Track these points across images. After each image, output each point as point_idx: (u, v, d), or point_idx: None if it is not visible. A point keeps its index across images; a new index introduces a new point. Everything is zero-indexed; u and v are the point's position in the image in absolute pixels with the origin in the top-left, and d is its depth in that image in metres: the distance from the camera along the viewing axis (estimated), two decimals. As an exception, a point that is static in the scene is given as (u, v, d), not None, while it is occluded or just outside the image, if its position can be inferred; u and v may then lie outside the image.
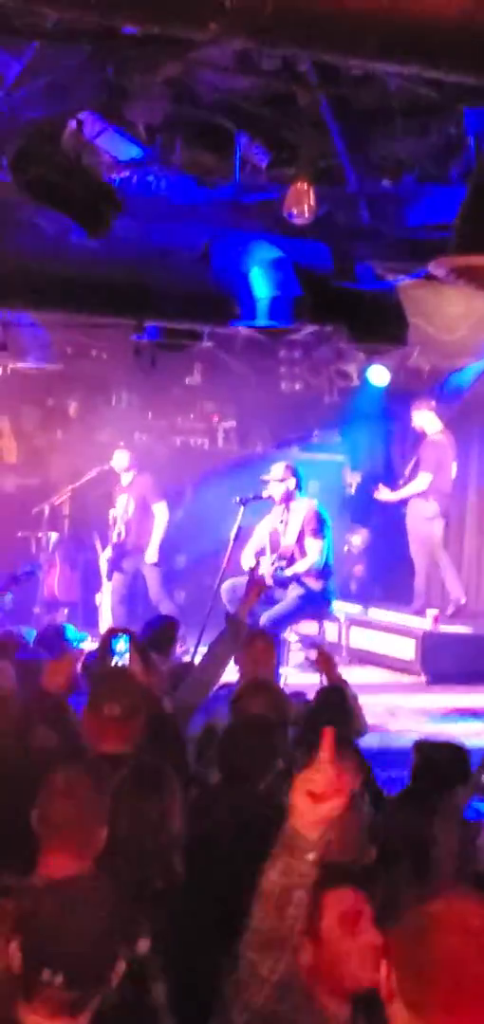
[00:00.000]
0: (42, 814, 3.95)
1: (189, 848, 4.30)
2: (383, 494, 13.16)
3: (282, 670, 10.44)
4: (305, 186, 7.19)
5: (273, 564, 11.05)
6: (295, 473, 11.37)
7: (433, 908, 2.43)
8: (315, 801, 3.11)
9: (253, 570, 9.57)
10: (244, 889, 3.38)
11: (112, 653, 6.22)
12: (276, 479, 11.26)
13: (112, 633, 6.62)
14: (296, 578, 11.01)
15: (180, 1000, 3.58)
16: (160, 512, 12.94)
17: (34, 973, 2.87)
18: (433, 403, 12.95)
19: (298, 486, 11.30)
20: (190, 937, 3.85)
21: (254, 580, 7.77)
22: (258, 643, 7.15)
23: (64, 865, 3.77)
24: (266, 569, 10.87)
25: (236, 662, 6.95)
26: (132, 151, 8.01)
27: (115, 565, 12.89)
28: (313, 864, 3.09)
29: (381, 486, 13.20)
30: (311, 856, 3.08)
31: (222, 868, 4.22)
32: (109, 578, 12.91)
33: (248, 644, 6.98)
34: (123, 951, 3.12)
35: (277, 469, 11.40)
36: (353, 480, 14.36)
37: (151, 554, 12.89)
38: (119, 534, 12.92)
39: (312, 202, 7.20)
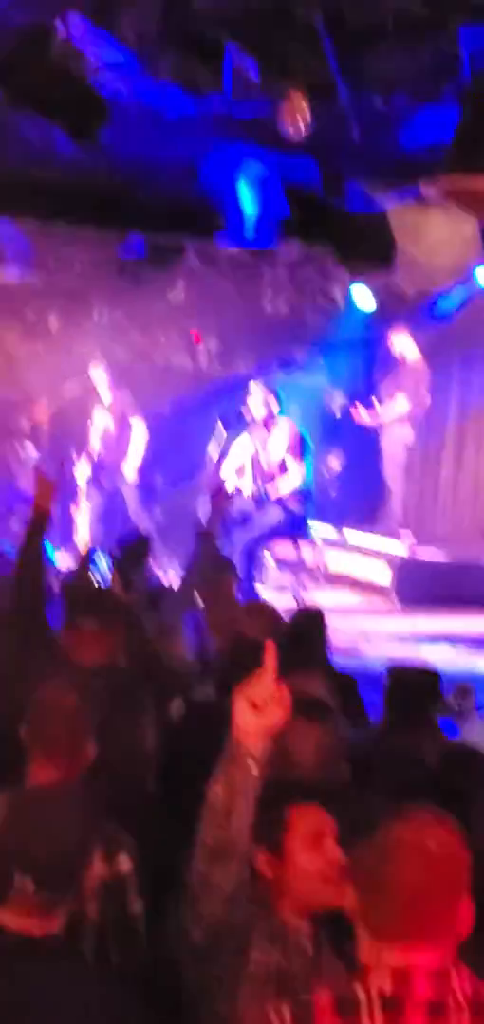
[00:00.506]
0: (30, 727, 3.95)
1: (172, 766, 4.32)
2: (362, 416, 13.16)
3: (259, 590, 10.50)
4: (301, 99, 7.10)
5: (255, 485, 11.06)
6: (276, 393, 11.35)
7: (394, 831, 2.45)
8: (256, 712, 3.15)
9: (217, 486, 9.55)
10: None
11: (92, 571, 6.22)
12: (257, 400, 11.24)
13: (92, 549, 6.63)
14: (276, 499, 11.02)
15: (156, 915, 3.61)
16: (138, 429, 12.91)
17: (6, 876, 2.94)
18: (412, 329, 12.94)
19: (279, 408, 11.28)
20: (167, 855, 3.86)
21: (217, 490, 7.73)
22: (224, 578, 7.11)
23: (51, 778, 3.79)
24: (247, 489, 10.89)
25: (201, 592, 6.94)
26: (121, 59, 7.89)
27: (93, 482, 12.87)
28: (255, 774, 3.13)
29: (359, 406, 13.18)
30: (252, 765, 3.12)
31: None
32: (87, 494, 12.89)
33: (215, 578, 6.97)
34: (103, 866, 3.21)
35: (258, 390, 11.38)
36: (338, 401, 14.33)
37: (129, 471, 12.87)
38: (97, 450, 12.89)
39: (308, 116, 7.11)
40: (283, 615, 7.44)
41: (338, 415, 14.42)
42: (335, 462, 14.36)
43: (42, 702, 3.99)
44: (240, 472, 11.25)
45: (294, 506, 11.05)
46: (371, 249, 9.66)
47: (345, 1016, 2.34)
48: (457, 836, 2.47)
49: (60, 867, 2.98)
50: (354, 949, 2.49)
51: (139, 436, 12.91)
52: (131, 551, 8.09)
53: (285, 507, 11.04)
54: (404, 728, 5.27)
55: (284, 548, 11.96)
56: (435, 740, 5.30)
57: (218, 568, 7.18)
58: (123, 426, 12.93)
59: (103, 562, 6.22)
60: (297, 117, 7.12)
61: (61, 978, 2.90)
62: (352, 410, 13.29)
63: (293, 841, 3.30)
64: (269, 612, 6.21)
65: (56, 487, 6.00)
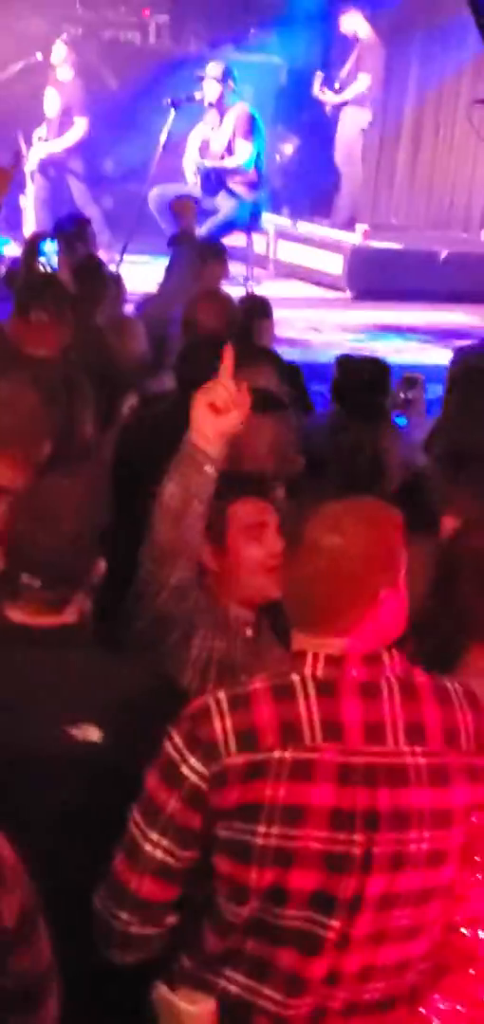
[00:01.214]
0: None
1: (124, 463, 4.35)
2: (325, 95, 12.82)
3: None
4: None
5: (198, 166, 10.84)
6: (230, 73, 11.01)
7: (308, 524, 2.50)
8: (215, 414, 3.17)
9: (179, 195, 9.36)
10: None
11: (38, 257, 6.09)
12: (210, 77, 10.90)
13: (39, 237, 6.49)
14: (225, 187, 10.82)
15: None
16: (80, 122, 12.51)
17: (13, 577, 2.92)
18: (369, 7, 12.52)
19: (232, 88, 10.96)
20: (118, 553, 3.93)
21: (182, 196, 7.60)
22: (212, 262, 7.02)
23: (7, 476, 3.77)
24: (192, 169, 10.70)
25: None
26: None
27: (40, 168, 12.53)
28: (211, 477, 3.18)
29: (319, 78, 12.80)
30: (209, 468, 3.17)
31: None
32: (33, 180, 12.56)
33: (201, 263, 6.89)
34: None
35: (212, 68, 11.03)
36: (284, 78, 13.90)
37: (74, 163, 12.48)
38: (44, 135, 12.51)
39: None
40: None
41: (292, 97, 14.04)
42: (288, 147, 14.04)
43: None
44: (193, 155, 11.03)
45: (244, 193, 10.86)
46: None
47: (281, 701, 2.42)
48: (381, 531, 2.49)
49: (67, 564, 2.93)
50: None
51: (80, 127, 12.49)
52: (72, 235, 7.92)
53: (235, 195, 10.84)
54: (354, 419, 5.32)
55: (236, 239, 11.81)
56: (385, 432, 5.37)
57: (207, 255, 7.05)
58: (70, 111, 12.51)
59: (49, 245, 6.08)
60: None
61: (78, 661, 2.88)
62: (316, 88, 12.89)
63: (235, 533, 3.36)
64: (224, 301, 6.13)
65: (10, 178, 5.88)
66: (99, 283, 6.84)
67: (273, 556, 3.22)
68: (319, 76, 12.88)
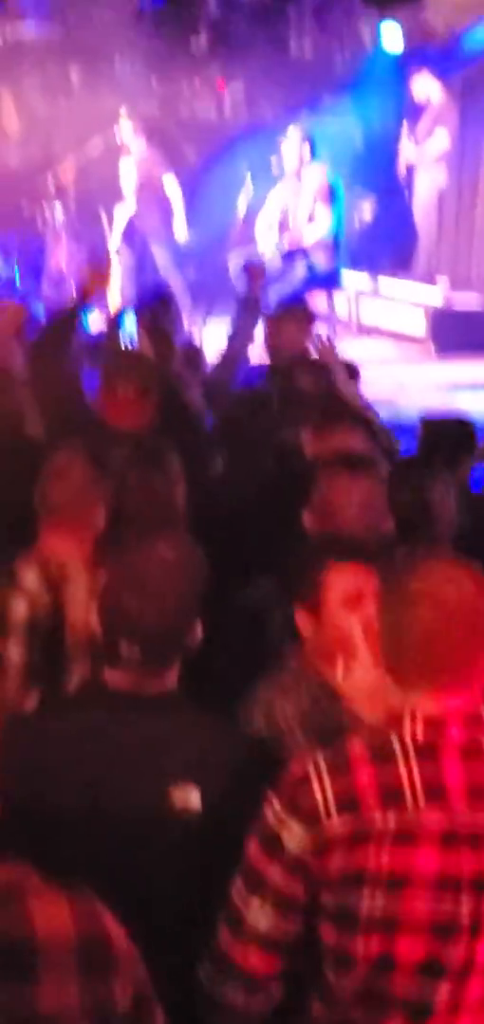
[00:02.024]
0: (40, 494, 3.97)
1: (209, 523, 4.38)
2: (407, 150, 12.87)
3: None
4: None
5: (286, 237, 10.93)
6: (309, 139, 11.10)
7: (414, 578, 2.47)
8: None
9: (248, 260, 9.43)
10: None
11: (122, 330, 6.17)
12: (290, 146, 11.01)
13: (123, 310, 6.56)
14: (303, 251, 10.89)
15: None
16: (171, 185, 12.66)
17: (112, 645, 2.92)
18: (440, 70, 12.56)
19: (311, 153, 11.04)
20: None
21: (252, 262, 7.65)
22: (289, 319, 7.06)
23: (60, 546, 3.83)
24: (272, 245, 10.78)
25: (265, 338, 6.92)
26: None
27: (122, 240, 12.72)
28: None
29: (405, 138, 12.87)
30: None
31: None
32: (116, 253, 12.75)
33: (277, 320, 6.92)
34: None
35: (292, 135, 11.14)
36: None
37: (180, 231, 12.63)
38: (126, 208, 12.70)
39: None
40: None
41: (369, 159, 14.09)
42: (366, 207, 14.09)
43: (51, 467, 4.01)
44: (273, 225, 11.11)
45: (323, 256, 10.91)
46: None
47: (381, 765, 2.39)
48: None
49: (167, 632, 2.92)
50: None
51: (173, 191, 12.66)
52: (156, 309, 8.04)
53: (316, 258, 10.89)
54: (440, 477, 5.29)
55: (317, 300, 11.85)
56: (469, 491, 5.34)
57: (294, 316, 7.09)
58: (152, 182, 12.69)
59: (132, 322, 6.16)
60: None
61: (178, 727, 2.88)
62: (404, 138, 12.94)
63: (331, 600, 3.28)
64: (316, 364, 6.16)
65: (107, 278, 6.05)
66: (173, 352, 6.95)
67: (372, 624, 3.18)
68: (405, 126, 12.94)
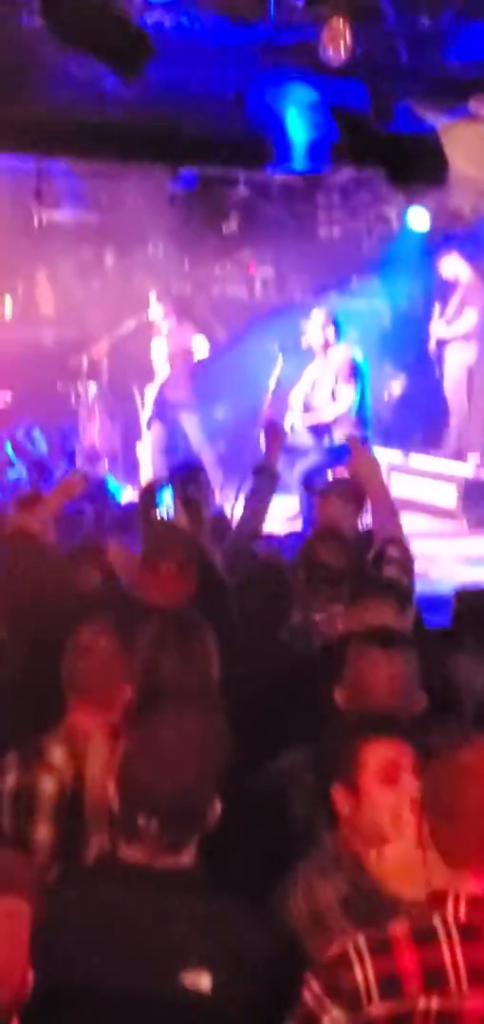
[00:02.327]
0: (66, 670, 3.95)
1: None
2: (438, 327, 13.04)
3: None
4: (341, 23, 6.99)
5: (312, 413, 11.07)
6: (333, 320, 11.30)
7: (461, 756, 2.44)
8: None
9: (268, 419, 9.53)
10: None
11: (156, 504, 6.19)
12: (315, 327, 11.21)
13: (156, 484, 6.61)
14: (327, 428, 11.03)
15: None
16: (200, 346, 12.90)
17: (129, 818, 2.88)
18: (469, 249, 12.80)
19: (336, 334, 11.23)
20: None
21: (271, 427, 7.67)
22: (333, 495, 7.09)
23: (87, 722, 3.80)
24: (297, 421, 10.91)
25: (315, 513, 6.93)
26: (165, -8, 7.82)
27: (155, 415, 12.90)
28: None
29: (436, 318, 13.05)
30: None
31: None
32: (149, 429, 12.92)
33: (323, 496, 6.94)
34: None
35: (316, 317, 11.34)
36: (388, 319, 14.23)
37: (188, 410, 12.82)
38: (158, 385, 12.91)
39: (349, 40, 7.00)
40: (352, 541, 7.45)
41: (398, 336, 14.31)
42: (396, 385, 14.27)
43: (76, 644, 3.98)
44: (300, 401, 11.27)
45: (353, 432, 11.01)
46: (423, 169, 9.53)
47: (423, 946, 2.33)
48: None
49: (187, 806, 2.89)
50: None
51: (200, 352, 12.88)
52: (187, 482, 8.09)
53: (338, 434, 11.00)
54: (476, 652, 5.25)
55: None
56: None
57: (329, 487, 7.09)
58: (183, 358, 12.92)
59: (167, 495, 6.19)
60: (338, 42, 7.01)
61: (195, 909, 2.82)
62: (435, 319, 13.12)
63: (368, 776, 3.21)
64: (342, 538, 6.16)
65: (78, 488, 6.29)
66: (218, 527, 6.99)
67: (410, 801, 3.04)
68: (437, 308, 13.14)
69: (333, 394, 11.15)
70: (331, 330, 11.19)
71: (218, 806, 2.96)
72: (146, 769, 2.90)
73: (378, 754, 3.23)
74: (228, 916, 2.85)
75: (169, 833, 2.86)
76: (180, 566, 5.11)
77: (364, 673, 3.86)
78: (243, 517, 6.82)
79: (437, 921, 2.35)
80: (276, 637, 5.18)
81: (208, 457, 12.40)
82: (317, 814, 3.51)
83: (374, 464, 6.16)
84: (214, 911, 2.85)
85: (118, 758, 3.07)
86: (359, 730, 3.28)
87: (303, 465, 10.63)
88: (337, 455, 11.04)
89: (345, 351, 11.25)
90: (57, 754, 3.79)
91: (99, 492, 8.93)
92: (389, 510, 5.98)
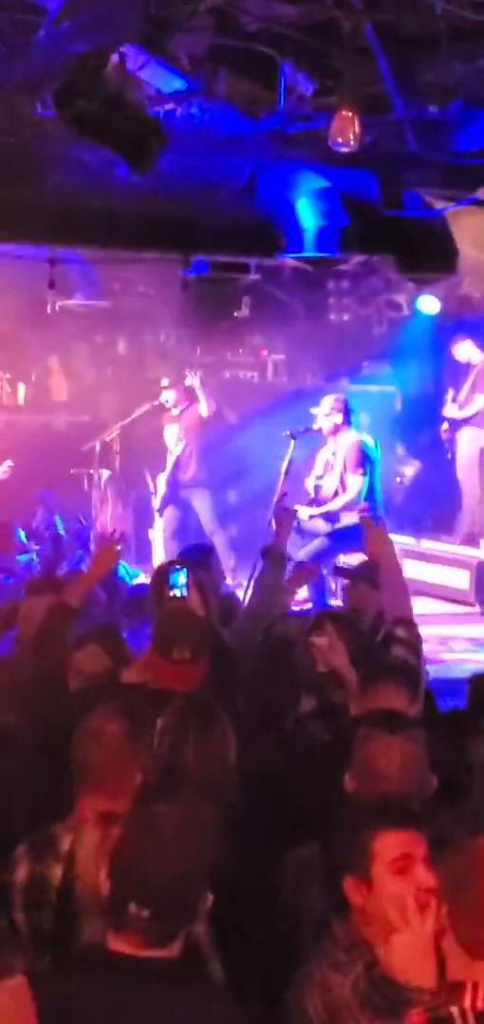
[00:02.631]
0: (76, 757, 3.90)
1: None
2: (450, 410, 13.09)
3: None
4: (350, 114, 7.09)
5: (322, 497, 11.09)
6: (344, 406, 11.34)
7: (480, 843, 2.41)
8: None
9: (279, 501, 9.53)
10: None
11: (170, 587, 6.12)
12: (324, 413, 11.25)
13: (170, 566, 6.55)
14: (335, 514, 11.04)
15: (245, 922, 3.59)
16: (211, 431, 12.98)
17: (120, 907, 2.85)
18: (470, 336, 12.89)
19: (346, 420, 11.27)
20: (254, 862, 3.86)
21: (281, 509, 7.65)
22: (359, 586, 7.07)
23: (100, 808, 3.76)
24: (303, 508, 10.93)
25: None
26: (175, 83, 7.94)
27: (167, 499, 12.93)
28: None
29: (449, 401, 13.10)
30: None
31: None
32: (161, 513, 12.95)
33: (350, 588, 6.91)
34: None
35: (325, 403, 11.39)
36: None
37: (200, 493, 12.85)
38: (170, 469, 12.96)
39: (357, 130, 7.09)
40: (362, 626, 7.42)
41: (409, 420, 14.36)
42: (409, 469, 14.29)
43: (86, 730, 3.94)
44: (311, 489, 11.30)
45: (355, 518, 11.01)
46: (433, 257, 9.61)
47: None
48: None
49: (178, 897, 2.86)
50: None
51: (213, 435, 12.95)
52: (196, 564, 8.09)
53: (345, 520, 11.02)
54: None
55: (357, 559, 11.92)
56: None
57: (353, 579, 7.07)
58: (195, 443, 12.98)
59: (182, 577, 6.14)
60: (347, 132, 7.10)
61: (185, 1002, 2.79)
62: (448, 404, 13.16)
63: (381, 868, 3.16)
64: (351, 623, 6.14)
65: (116, 556, 6.26)
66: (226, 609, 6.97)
67: (424, 891, 3.01)
68: (450, 393, 13.20)
69: (342, 480, 11.17)
70: (340, 416, 11.24)
71: (209, 899, 2.92)
72: (141, 857, 2.87)
73: (390, 845, 3.18)
74: (215, 1010, 2.83)
75: (160, 923, 2.83)
76: (193, 653, 5.07)
77: (372, 758, 3.83)
78: (252, 600, 6.80)
79: (455, 1011, 2.32)
80: (285, 723, 5.14)
81: (220, 540, 12.41)
82: (329, 904, 3.47)
83: (387, 542, 6.13)
84: (201, 1005, 2.82)
85: (111, 844, 3.04)
86: (371, 820, 3.23)
87: (310, 549, 10.63)
88: (347, 537, 11.04)
89: (354, 437, 11.29)
90: (67, 842, 3.74)
91: (110, 576, 8.90)
92: (401, 590, 5.96)
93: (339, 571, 7.63)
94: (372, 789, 3.79)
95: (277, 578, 6.74)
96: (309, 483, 11.37)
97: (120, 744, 3.89)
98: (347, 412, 11.32)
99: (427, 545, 13.12)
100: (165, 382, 13.22)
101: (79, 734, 3.94)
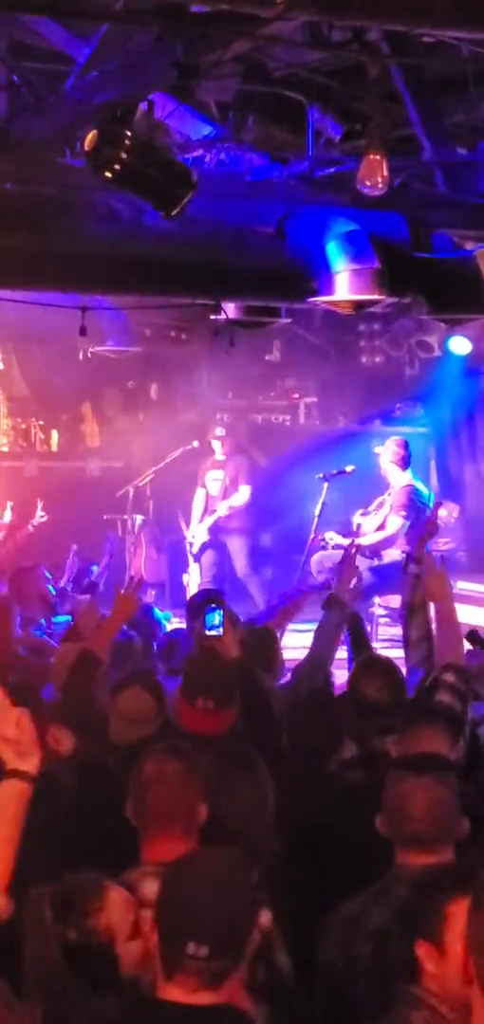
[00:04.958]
0: (139, 805, 3.89)
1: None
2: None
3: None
4: (378, 157, 7.10)
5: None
6: (403, 447, 11.41)
7: None
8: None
9: (346, 548, 9.51)
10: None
11: (207, 628, 6.09)
12: (384, 454, 11.34)
13: (207, 605, 6.52)
14: (376, 552, 11.02)
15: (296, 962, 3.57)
16: (244, 493, 12.98)
17: (175, 949, 2.85)
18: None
19: (403, 462, 11.34)
20: (295, 905, 3.83)
21: (348, 555, 7.58)
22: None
23: (173, 849, 3.71)
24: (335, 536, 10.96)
25: None
26: (204, 129, 7.98)
27: (206, 544, 12.93)
28: None
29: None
30: None
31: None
32: (196, 558, 12.95)
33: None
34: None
35: (388, 443, 11.48)
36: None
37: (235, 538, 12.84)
38: (204, 513, 12.98)
39: (385, 173, 7.11)
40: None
41: (442, 461, 14.34)
42: (445, 512, 14.24)
43: (142, 776, 3.93)
44: (355, 521, 11.35)
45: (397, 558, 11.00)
46: (463, 297, 9.60)
47: None
48: None
49: (234, 932, 2.89)
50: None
51: (243, 497, 12.95)
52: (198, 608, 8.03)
53: (390, 559, 10.99)
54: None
55: (396, 601, 11.86)
56: None
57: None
58: (233, 488, 12.99)
59: (217, 617, 6.10)
60: (376, 175, 7.12)
61: None
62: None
63: (455, 934, 3.08)
64: (388, 668, 6.07)
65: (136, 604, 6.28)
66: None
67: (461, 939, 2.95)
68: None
69: (384, 519, 11.17)
70: (399, 456, 11.33)
71: (257, 939, 2.94)
72: (195, 894, 2.89)
73: (465, 912, 3.03)
74: None
75: (217, 961, 2.83)
76: (217, 703, 5.05)
77: (398, 798, 3.84)
78: (313, 647, 6.75)
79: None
80: (327, 769, 5.10)
81: (254, 584, 12.41)
82: (387, 963, 3.45)
83: (447, 584, 6.03)
84: None
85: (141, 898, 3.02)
86: (446, 887, 3.18)
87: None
88: (386, 575, 11.00)
89: (406, 480, 11.33)
90: (152, 888, 3.66)
91: (145, 619, 8.91)
92: (455, 634, 5.90)
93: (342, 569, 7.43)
94: (397, 829, 3.80)
95: (340, 625, 6.72)
96: (355, 519, 11.41)
97: (183, 780, 3.88)
98: (405, 454, 11.38)
99: (462, 586, 13.04)
100: (220, 432, 13.24)
101: (136, 782, 3.93)
